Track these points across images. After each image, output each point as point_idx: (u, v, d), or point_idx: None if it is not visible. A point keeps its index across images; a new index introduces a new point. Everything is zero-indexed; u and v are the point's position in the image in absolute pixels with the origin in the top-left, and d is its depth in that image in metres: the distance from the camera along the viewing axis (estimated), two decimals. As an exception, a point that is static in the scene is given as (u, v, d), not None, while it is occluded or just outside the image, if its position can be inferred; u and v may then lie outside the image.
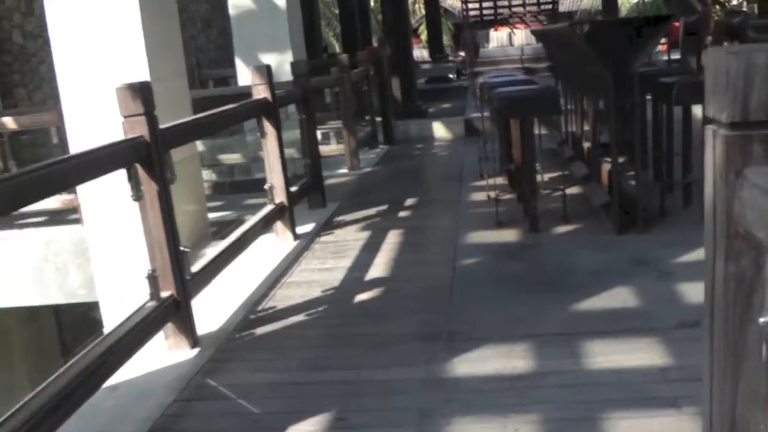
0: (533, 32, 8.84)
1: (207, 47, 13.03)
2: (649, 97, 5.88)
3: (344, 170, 8.56)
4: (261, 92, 5.50)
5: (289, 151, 7.37)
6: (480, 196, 6.55)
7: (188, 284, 3.88)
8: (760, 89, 1.41)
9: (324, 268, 4.95)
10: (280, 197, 5.59)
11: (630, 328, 3.58)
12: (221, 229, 6.70)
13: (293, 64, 6.66)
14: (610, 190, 5.53)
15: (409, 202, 6.68)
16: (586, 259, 4.65)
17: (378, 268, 4.85)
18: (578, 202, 6.02)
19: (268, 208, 5.44)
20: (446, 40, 29.36)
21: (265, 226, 5.26)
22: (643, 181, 5.14)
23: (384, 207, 6.52)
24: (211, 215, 6.69)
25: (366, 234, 5.71)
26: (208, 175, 7.89)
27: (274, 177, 5.58)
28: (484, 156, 7.08)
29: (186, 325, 3.81)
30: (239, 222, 6.74)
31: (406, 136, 10.67)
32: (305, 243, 5.59)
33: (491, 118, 6.61)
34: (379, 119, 10.28)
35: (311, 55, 11.23)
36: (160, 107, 5.72)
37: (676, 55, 12.34)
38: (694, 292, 3.93)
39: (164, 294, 3.71)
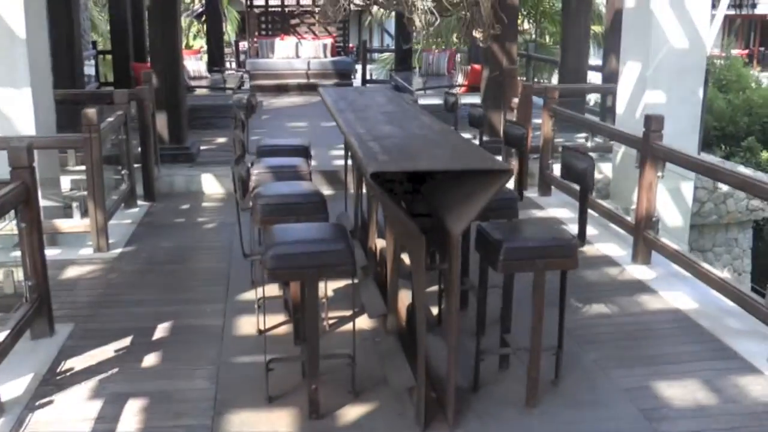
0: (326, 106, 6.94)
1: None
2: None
3: (89, 251, 6.98)
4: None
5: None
6: (249, 324, 5.35)
7: None
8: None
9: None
10: (-26, 363, 4.09)
11: None
12: None
13: (10, 151, 5.00)
14: (410, 334, 4.50)
15: (160, 331, 5.30)
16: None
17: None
18: (373, 345, 4.94)
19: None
20: (230, 30, 27.47)
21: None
22: (457, 354, 4.06)
23: (126, 342, 5.13)
24: None
25: (95, 410, 4.30)
26: None
27: (-35, 338, 4.07)
28: (251, 253, 5.72)
29: None
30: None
31: (170, 189, 9.13)
32: (9, 429, 4.12)
33: None
34: (138, 165, 8.69)
35: (69, 83, 9.44)
36: None
37: (475, 99, 11.47)
38: None
39: None
